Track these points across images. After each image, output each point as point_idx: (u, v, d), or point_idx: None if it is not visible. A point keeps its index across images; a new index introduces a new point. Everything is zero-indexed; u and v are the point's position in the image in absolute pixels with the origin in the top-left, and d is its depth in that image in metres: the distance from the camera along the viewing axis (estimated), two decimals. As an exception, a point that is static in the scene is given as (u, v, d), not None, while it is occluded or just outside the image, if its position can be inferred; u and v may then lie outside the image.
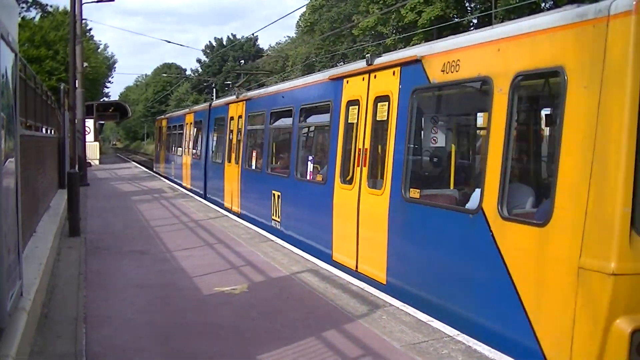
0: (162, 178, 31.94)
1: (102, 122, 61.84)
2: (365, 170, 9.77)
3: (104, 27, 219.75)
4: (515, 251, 6.45)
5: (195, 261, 10.74)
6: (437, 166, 9.25)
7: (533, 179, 7.52)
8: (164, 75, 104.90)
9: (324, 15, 55.73)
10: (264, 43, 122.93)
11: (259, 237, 13.11)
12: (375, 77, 9.81)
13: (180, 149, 28.93)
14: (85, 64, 31.46)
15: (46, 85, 24.92)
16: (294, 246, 11.94)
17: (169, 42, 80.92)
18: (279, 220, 13.79)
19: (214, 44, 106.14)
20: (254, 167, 16.27)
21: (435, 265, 7.94)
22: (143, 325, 7.29)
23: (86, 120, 31.29)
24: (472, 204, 7.31)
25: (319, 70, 13.83)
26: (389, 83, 9.26)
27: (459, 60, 7.63)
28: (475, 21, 43.25)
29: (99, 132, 57.60)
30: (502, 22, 34.03)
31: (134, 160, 54.45)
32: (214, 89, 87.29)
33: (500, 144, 6.77)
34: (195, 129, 25.44)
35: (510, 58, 6.78)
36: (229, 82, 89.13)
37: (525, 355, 6.15)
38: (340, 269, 10.00)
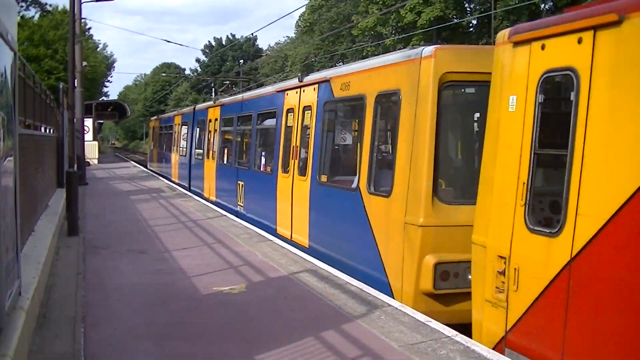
0: (157, 176, 32.35)
1: (101, 121, 61.91)
2: (296, 162, 12.65)
3: (103, 26, 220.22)
4: (375, 215, 9.33)
5: (194, 261, 10.75)
6: (338, 159, 12.11)
7: (385, 167, 9.69)
8: (163, 74, 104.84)
9: (323, 16, 55.69)
10: (263, 43, 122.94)
11: (257, 236, 13.11)
12: (303, 91, 12.73)
13: (170, 147, 31.54)
14: (85, 63, 31.42)
15: (45, 84, 24.89)
16: (254, 225, 14.52)
17: (169, 41, 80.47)
18: (242, 205, 16.85)
19: (213, 43, 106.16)
20: (225, 162, 19.24)
21: (335, 229, 10.83)
22: (141, 325, 7.29)
23: (85, 119, 31.34)
24: (354, 185, 10.08)
25: (317, 70, 15.80)
26: (311, 96, 12.24)
27: (349, 81, 10.67)
28: (474, 22, 43.28)
29: (97, 131, 57.69)
30: (501, 23, 34.13)
31: (132, 160, 54.43)
32: (213, 89, 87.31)
33: (368, 143, 9.69)
34: (182, 130, 28.01)
35: (375, 82, 9.69)
36: (227, 82, 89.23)
37: (380, 285, 8.87)
38: (280, 239, 12.74)
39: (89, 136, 40.55)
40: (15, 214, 6.06)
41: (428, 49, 8.39)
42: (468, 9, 45.34)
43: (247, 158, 17.22)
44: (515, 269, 6.34)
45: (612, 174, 5.39)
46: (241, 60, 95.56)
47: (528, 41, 6.45)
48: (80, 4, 27.88)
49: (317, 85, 11.99)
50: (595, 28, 5.57)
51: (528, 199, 6.27)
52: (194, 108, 26.59)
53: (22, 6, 46.68)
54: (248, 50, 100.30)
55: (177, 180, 28.32)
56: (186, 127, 26.83)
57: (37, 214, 11.70)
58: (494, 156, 6.85)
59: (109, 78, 76.66)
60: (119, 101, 68.69)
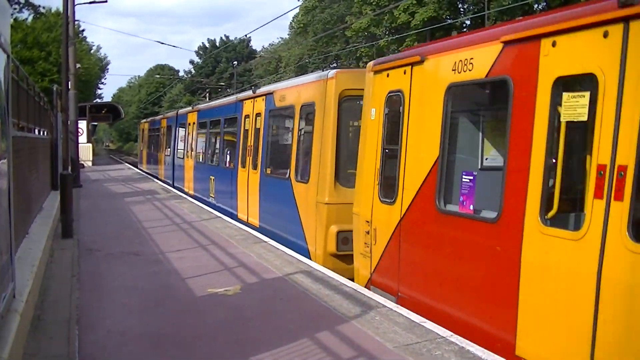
0: (151, 178, 32.62)
1: (95, 123, 61.71)
2: (250, 158, 15.66)
3: (97, 28, 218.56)
4: (299, 197, 12.23)
5: (189, 262, 10.75)
6: (281, 155, 14.15)
7: (307, 161, 12.07)
8: (157, 76, 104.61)
9: (317, 17, 55.69)
10: (257, 44, 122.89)
11: (252, 238, 13.12)
12: (256, 101, 15.74)
13: (157, 148, 34.67)
14: (78, 66, 31.41)
15: (39, 86, 24.80)
16: (223, 214, 17.14)
17: (162, 43, 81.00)
18: (213, 196, 19.86)
19: (207, 45, 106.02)
20: (200, 160, 22.45)
21: (275, 210, 13.77)
22: (136, 327, 7.28)
23: (79, 121, 31.25)
24: (287, 175, 12.91)
25: (312, 72, 17.34)
26: (261, 105, 15.23)
27: (285, 94, 13.69)
28: (468, 22, 43.36)
29: (92, 133, 57.48)
30: (494, 23, 34.19)
31: (126, 162, 54.32)
32: (207, 91, 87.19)
33: (296, 142, 12.73)
34: (167, 132, 31.11)
35: (300, 95, 12.69)
36: (222, 84, 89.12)
37: (302, 251, 11.69)
38: (239, 222, 15.58)
39: (83, 138, 40.45)
40: (9, 216, 6.06)
41: (332, 72, 11.35)
42: (462, 9, 45.43)
43: (216, 156, 20.38)
44: (374, 229, 9.07)
45: (417, 163, 8.08)
46: (235, 62, 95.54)
47: (380, 71, 9.24)
48: (74, 6, 27.82)
49: (265, 96, 14.98)
50: (412, 64, 8.38)
51: (380, 180, 9.00)
52: (177, 112, 29.47)
53: (15, 8, 46.53)
54: (242, 52, 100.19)
55: (163, 179, 30.99)
56: (170, 129, 29.81)
57: (31, 217, 11.68)
58: (363, 152, 9.57)
59: (102, 80, 76.71)
60: (113, 103, 68.39)
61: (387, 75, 9.02)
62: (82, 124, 40.85)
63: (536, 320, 5.98)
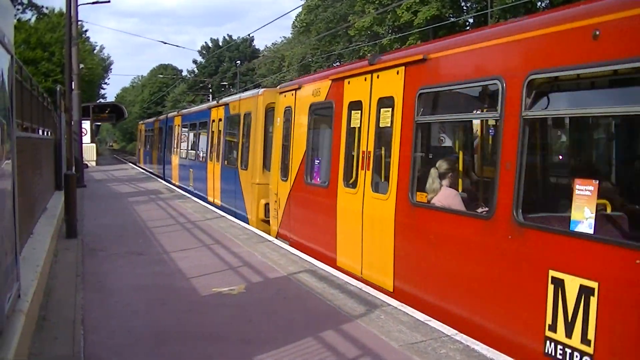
0: (155, 177, 33.11)
1: (99, 123, 61.80)
2: (215, 153, 20.18)
3: (100, 29, 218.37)
4: (242, 180, 16.46)
5: (193, 262, 10.75)
6: (233, 151, 18.27)
7: (246, 154, 16.27)
8: (160, 76, 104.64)
9: (320, 16, 55.67)
10: (260, 44, 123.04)
11: (256, 237, 13.13)
12: (218, 109, 20.35)
13: (152, 147, 39.35)
14: (82, 66, 31.47)
15: (42, 87, 24.86)
16: (199, 199, 21.18)
17: (165, 43, 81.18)
18: (192, 185, 24.46)
19: (210, 45, 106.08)
20: (184, 156, 26.94)
21: (230, 191, 17.91)
22: (141, 326, 7.28)
23: (83, 121, 31.34)
24: (235, 165, 17.43)
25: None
26: (222, 113, 19.71)
27: (235, 105, 18.07)
28: (471, 21, 43.30)
29: (95, 133, 57.58)
30: (498, 21, 34.13)
31: (130, 162, 54.40)
32: (210, 90, 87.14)
33: (240, 140, 16.94)
34: (159, 132, 35.74)
35: (243, 107, 17.04)
36: (224, 83, 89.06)
37: (245, 220, 15.84)
38: (209, 204, 19.74)
39: (86, 138, 40.58)
40: (13, 216, 6.07)
41: (261, 91, 15.95)
42: (464, 7, 45.36)
43: (194, 153, 24.76)
44: (279, 198, 13.11)
45: (297, 154, 12.17)
46: (238, 61, 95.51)
47: (281, 92, 13.48)
48: (77, 6, 27.86)
49: (224, 106, 19.58)
50: (295, 89, 12.61)
51: (281, 165, 13.09)
52: (167, 116, 34.67)
53: (18, 9, 46.58)
54: (245, 51, 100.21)
55: (157, 173, 35.57)
56: (161, 130, 34.56)
57: (35, 217, 11.69)
58: (273, 147, 13.87)
59: (106, 80, 76.59)
60: (117, 103, 68.46)
61: (285, 96, 13.27)
62: (86, 124, 40.99)
63: (343, 243, 10.12)
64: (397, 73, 8.63)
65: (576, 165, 8.51)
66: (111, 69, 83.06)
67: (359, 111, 9.60)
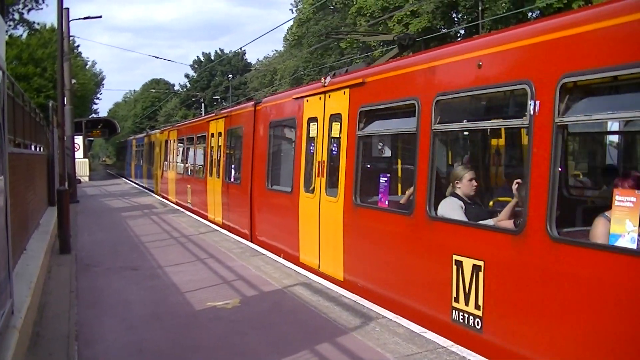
0: (148, 192, 33.05)
1: (91, 138, 61.73)
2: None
3: (92, 44, 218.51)
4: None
5: (187, 276, 10.71)
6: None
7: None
8: (153, 90, 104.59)
9: (312, 29, 55.88)
10: (252, 57, 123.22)
11: (250, 251, 13.10)
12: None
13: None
14: (74, 81, 31.42)
15: (34, 102, 24.82)
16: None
17: (157, 57, 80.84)
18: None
19: (202, 59, 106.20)
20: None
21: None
22: (135, 342, 7.24)
23: (75, 137, 31.30)
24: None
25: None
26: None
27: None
28: (462, 32, 43.50)
29: (88, 148, 57.50)
30: (489, 31, 34.27)
31: (122, 176, 54.33)
32: (203, 104, 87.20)
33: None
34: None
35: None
36: (217, 97, 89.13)
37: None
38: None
39: (79, 154, 40.51)
40: (6, 233, 6.04)
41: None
42: (456, 19, 45.59)
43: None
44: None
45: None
46: (230, 75, 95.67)
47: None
48: (69, 22, 27.91)
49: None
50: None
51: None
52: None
53: (10, 25, 46.51)
54: (237, 65, 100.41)
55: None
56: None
57: (28, 233, 11.64)
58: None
59: (98, 95, 76.54)
60: (109, 118, 68.46)
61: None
62: (78, 140, 40.94)
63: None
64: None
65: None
66: (103, 84, 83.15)
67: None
